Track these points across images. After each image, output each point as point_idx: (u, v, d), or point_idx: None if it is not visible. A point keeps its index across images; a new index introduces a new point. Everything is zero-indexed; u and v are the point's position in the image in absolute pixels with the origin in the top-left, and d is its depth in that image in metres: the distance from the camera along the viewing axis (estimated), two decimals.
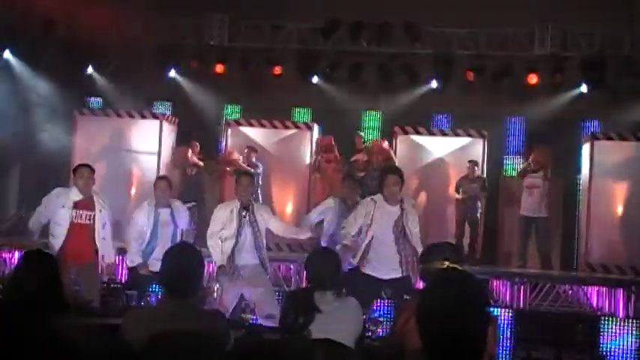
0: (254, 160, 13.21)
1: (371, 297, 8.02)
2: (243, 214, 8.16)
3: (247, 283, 8.13)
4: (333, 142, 13.27)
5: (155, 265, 8.05)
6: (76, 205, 8.18)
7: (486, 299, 2.76)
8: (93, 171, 8.38)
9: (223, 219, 8.19)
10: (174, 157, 13.62)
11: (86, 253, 8.21)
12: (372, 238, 7.95)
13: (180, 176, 13.08)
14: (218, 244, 8.16)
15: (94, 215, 8.23)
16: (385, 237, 7.92)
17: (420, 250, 7.55)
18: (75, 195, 8.19)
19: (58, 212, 8.17)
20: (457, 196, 12.96)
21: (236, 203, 8.22)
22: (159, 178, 9.44)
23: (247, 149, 13.32)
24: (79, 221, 8.19)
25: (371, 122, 15.40)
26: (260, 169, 13.08)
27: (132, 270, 8.70)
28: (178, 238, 8.57)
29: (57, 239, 8.14)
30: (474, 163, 12.97)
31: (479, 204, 12.94)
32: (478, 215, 12.93)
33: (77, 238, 8.17)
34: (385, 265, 7.93)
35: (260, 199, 12.57)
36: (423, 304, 2.73)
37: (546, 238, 12.75)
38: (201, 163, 13.22)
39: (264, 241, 8.29)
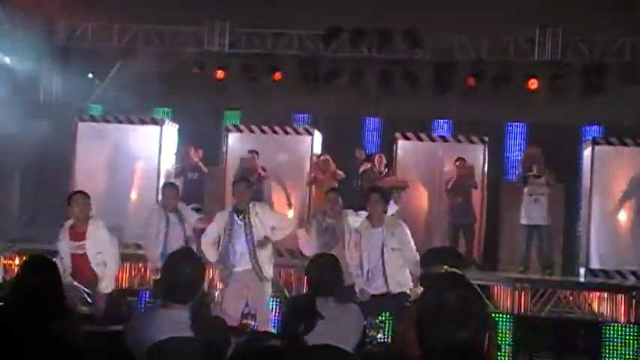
0: (258, 162, 13.16)
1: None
2: (237, 218, 8.21)
3: (248, 293, 8.17)
4: (330, 162, 13.21)
5: None
6: (71, 236, 8.16)
7: (483, 304, 2.76)
8: (88, 197, 8.31)
9: (220, 223, 8.29)
10: (179, 155, 13.65)
11: (94, 282, 8.12)
12: (361, 261, 8.12)
13: (182, 180, 13.12)
14: (209, 244, 8.33)
15: (85, 244, 8.14)
16: (373, 258, 8.07)
17: (414, 269, 7.73)
18: (68, 225, 8.22)
19: (60, 246, 8.20)
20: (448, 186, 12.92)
21: (230, 207, 8.32)
22: (167, 185, 9.51)
23: (250, 153, 13.26)
24: (77, 252, 8.16)
25: (371, 128, 15.41)
26: (266, 169, 13.13)
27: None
28: (189, 235, 8.67)
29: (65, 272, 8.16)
30: (462, 160, 12.94)
31: (472, 208, 12.89)
32: (472, 222, 12.85)
33: (79, 269, 8.11)
34: (372, 283, 8.08)
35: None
36: (420, 310, 2.73)
37: (549, 247, 12.73)
38: (202, 166, 13.27)
39: (264, 247, 8.29)
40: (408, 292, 7.98)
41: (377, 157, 13.25)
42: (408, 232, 8.19)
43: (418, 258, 7.43)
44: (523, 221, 12.66)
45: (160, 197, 9.14)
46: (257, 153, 13.25)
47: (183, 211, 8.92)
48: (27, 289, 4.12)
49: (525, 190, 12.61)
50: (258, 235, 8.20)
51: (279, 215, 9.07)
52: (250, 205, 8.30)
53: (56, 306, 4.11)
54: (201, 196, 13.19)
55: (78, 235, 8.15)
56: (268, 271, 8.42)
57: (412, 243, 8.11)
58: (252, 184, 9.27)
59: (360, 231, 8.21)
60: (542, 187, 12.54)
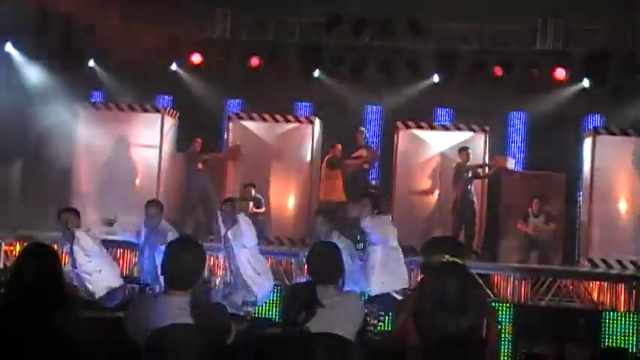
0: (254, 194, 13.04)
1: None
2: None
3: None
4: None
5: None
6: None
7: (482, 292, 2.77)
8: (74, 213, 8.39)
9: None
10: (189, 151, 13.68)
11: None
12: None
13: (186, 174, 13.19)
14: None
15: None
16: None
17: None
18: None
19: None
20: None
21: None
22: (148, 203, 9.12)
23: (245, 187, 13.12)
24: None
25: (373, 117, 15.42)
26: (262, 203, 13.02)
27: None
28: (155, 260, 8.49)
29: None
30: (466, 149, 12.93)
31: (473, 199, 12.89)
32: (472, 212, 12.86)
33: None
34: None
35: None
36: (419, 298, 2.74)
37: (548, 250, 12.82)
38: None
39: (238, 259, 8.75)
40: None
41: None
42: None
43: None
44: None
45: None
46: (253, 186, 13.07)
47: (161, 233, 8.70)
48: (27, 277, 4.12)
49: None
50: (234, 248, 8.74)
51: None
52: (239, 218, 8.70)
53: (56, 294, 4.12)
54: (208, 185, 13.27)
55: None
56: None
57: None
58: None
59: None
60: (540, 224, 12.70)
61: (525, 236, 12.85)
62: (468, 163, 12.69)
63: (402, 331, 4.76)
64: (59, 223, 8.18)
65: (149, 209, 8.74)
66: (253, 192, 12.92)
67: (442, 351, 2.65)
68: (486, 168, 12.98)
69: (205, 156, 13.40)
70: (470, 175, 12.68)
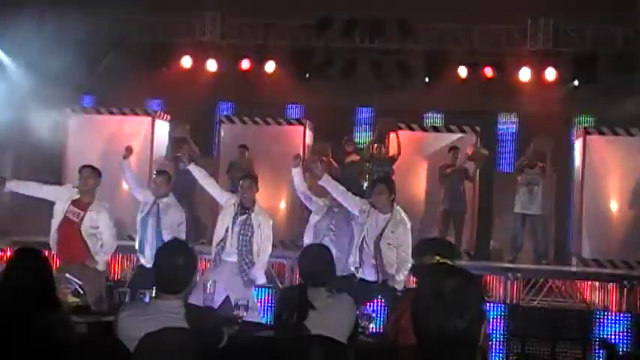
0: (247, 156, 13.18)
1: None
2: (240, 211, 8.22)
3: (226, 287, 8.06)
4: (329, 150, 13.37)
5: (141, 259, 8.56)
6: (73, 203, 8.24)
7: (481, 294, 2.75)
8: (95, 172, 8.51)
9: (226, 219, 8.31)
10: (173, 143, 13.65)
11: (82, 262, 8.07)
12: (363, 242, 8.12)
13: (173, 171, 13.12)
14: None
15: (83, 215, 8.18)
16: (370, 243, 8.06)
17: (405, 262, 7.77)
18: (75, 192, 8.30)
19: (57, 203, 8.28)
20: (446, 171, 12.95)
21: (237, 201, 8.30)
22: (156, 172, 9.50)
23: (240, 148, 13.26)
24: (71, 218, 8.19)
25: (364, 118, 15.42)
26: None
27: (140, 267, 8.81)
28: (163, 235, 8.52)
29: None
30: (456, 148, 12.96)
31: (464, 198, 12.90)
32: (463, 211, 12.86)
33: (67, 236, 8.17)
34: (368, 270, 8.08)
35: None
36: (417, 300, 2.71)
37: (543, 236, 12.75)
38: (196, 150, 13.32)
39: (253, 248, 8.25)
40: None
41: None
42: (409, 235, 8.08)
43: (409, 264, 7.51)
44: (516, 209, 12.65)
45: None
46: (247, 148, 13.22)
47: (165, 206, 8.79)
48: (16, 281, 4.10)
49: (519, 179, 12.60)
50: (254, 236, 8.23)
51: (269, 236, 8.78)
52: (256, 206, 8.34)
53: (46, 298, 4.10)
54: (193, 187, 13.18)
55: (81, 204, 8.22)
56: (258, 276, 8.39)
57: (410, 248, 7.82)
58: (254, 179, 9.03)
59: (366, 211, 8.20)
60: (536, 176, 12.52)
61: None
62: (457, 163, 12.77)
63: (394, 331, 4.75)
64: None
65: (154, 178, 9.03)
66: (246, 155, 13.22)
67: (435, 352, 2.63)
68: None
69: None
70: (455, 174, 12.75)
